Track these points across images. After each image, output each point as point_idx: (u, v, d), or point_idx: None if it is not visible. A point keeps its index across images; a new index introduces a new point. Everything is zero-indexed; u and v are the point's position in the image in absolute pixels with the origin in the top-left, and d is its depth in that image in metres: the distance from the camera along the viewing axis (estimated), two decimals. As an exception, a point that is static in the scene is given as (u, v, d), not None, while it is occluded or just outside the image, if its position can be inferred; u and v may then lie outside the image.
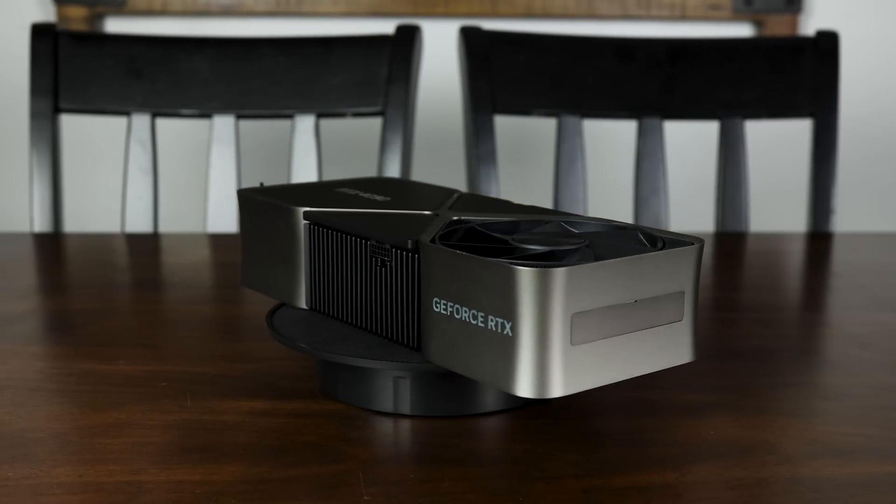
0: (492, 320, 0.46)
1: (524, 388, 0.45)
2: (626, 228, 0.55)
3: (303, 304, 0.60)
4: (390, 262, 0.53)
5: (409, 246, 0.51)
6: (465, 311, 0.47)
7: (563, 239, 0.52)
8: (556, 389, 0.45)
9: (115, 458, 0.49)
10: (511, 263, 0.45)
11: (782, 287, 0.93)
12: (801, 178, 1.34)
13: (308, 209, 0.58)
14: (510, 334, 0.45)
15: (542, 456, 0.49)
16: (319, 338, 0.55)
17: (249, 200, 0.62)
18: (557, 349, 0.45)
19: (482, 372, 0.47)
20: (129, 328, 0.73)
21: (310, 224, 0.58)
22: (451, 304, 0.48)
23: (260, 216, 0.62)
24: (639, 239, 0.53)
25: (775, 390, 0.59)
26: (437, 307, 0.49)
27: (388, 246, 0.53)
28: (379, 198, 0.62)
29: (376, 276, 0.54)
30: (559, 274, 0.44)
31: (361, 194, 0.63)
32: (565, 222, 0.56)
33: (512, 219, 0.56)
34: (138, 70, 1.20)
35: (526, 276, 0.44)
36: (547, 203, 1.21)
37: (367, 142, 1.40)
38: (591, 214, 1.31)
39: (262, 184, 0.64)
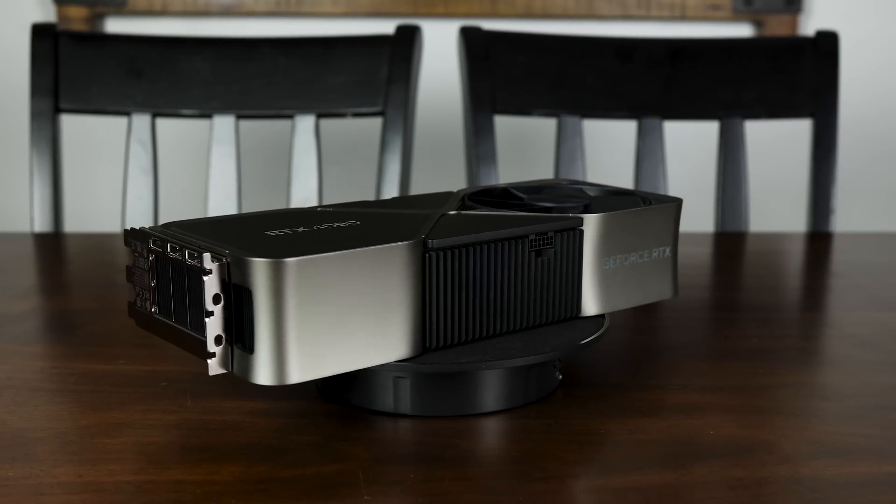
0: (655, 251, 0.61)
1: (675, 291, 0.63)
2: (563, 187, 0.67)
3: (411, 352, 0.52)
4: (553, 247, 0.56)
5: (578, 224, 0.57)
6: (634, 256, 0.60)
7: (568, 198, 0.63)
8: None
9: (115, 458, 0.49)
10: (669, 200, 0.61)
11: (782, 287, 0.93)
12: (801, 178, 1.34)
13: (436, 239, 0.51)
14: (669, 255, 0.62)
15: (543, 456, 0.49)
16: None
17: (301, 265, 0.46)
18: None
19: (646, 296, 0.61)
20: (130, 328, 0.72)
21: (437, 252, 0.52)
22: (620, 256, 0.59)
23: (329, 276, 0.47)
24: (632, 198, 0.64)
25: (775, 390, 0.59)
26: (607, 265, 0.59)
27: (551, 233, 0.56)
28: (345, 223, 0.56)
29: (530, 269, 0.56)
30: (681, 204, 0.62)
31: (341, 224, 0.55)
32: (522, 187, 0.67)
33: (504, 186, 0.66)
34: (138, 70, 1.21)
35: (678, 207, 0.62)
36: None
37: (367, 142, 1.41)
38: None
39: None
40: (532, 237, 0.55)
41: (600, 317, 0.60)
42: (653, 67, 1.23)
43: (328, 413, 0.54)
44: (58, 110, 1.19)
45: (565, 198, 0.63)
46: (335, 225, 0.54)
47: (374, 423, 0.53)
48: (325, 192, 1.35)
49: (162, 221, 1.23)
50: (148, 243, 0.51)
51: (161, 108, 1.20)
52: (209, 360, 0.47)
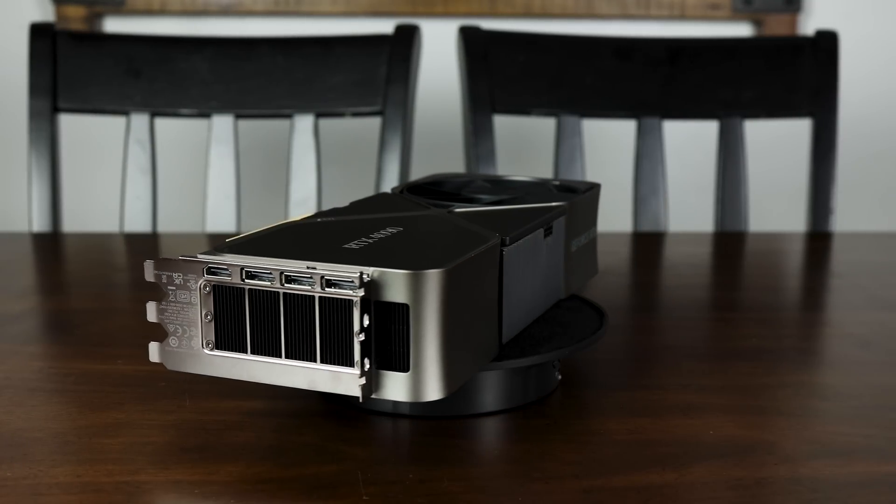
0: (591, 231, 0.66)
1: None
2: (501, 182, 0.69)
3: (496, 351, 0.52)
4: (553, 234, 0.59)
5: (565, 211, 0.60)
6: (582, 237, 0.64)
7: (501, 191, 0.65)
8: None
9: (113, 458, 0.49)
10: (586, 184, 0.66)
11: (782, 287, 0.93)
12: (801, 177, 1.34)
13: (508, 236, 0.52)
14: (595, 235, 0.67)
15: (542, 456, 0.49)
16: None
17: (449, 274, 0.44)
18: None
19: (588, 274, 0.66)
20: (128, 328, 0.73)
21: (511, 248, 0.52)
22: (577, 239, 0.63)
23: (460, 283, 0.46)
24: (543, 185, 0.68)
25: (775, 390, 0.59)
26: (574, 246, 0.62)
27: (552, 221, 0.59)
28: (392, 230, 0.53)
29: (541, 256, 0.57)
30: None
31: (393, 231, 0.53)
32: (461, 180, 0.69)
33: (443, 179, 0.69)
34: (137, 70, 1.20)
35: (599, 189, 0.67)
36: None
37: (366, 141, 1.40)
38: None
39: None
40: (548, 228, 0.57)
41: (600, 317, 0.60)
42: (652, 67, 1.23)
43: (327, 413, 0.54)
44: (56, 110, 1.19)
45: (494, 190, 0.65)
46: (389, 232, 0.52)
47: (374, 423, 0.53)
48: (324, 192, 1.35)
49: (161, 222, 1.23)
50: (199, 273, 0.46)
51: (160, 107, 1.20)
52: (360, 386, 0.44)
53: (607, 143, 1.68)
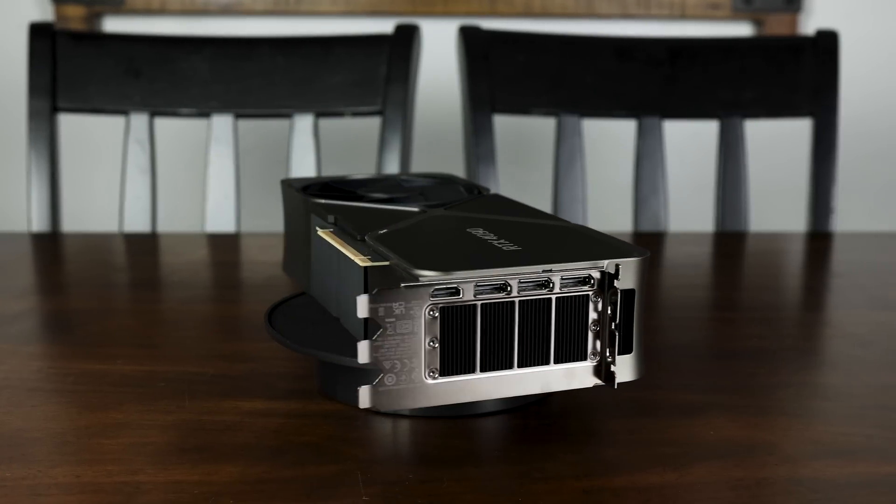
0: None
1: None
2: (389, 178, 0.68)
3: None
4: None
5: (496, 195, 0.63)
6: None
7: (400, 190, 0.63)
8: None
9: (112, 459, 0.49)
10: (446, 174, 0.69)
11: (782, 287, 0.93)
12: (801, 177, 1.34)
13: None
14: None
15: (542, 456, 0.49)
16: (318, 338, 0.55)
17: None
18: None
19: None
20: (128, 328, 0.73)
21: None
22: None
23: None
24: (455, 186, 0.66)
25: (775, 390, 0.59)
26: None
27: None
28: (481, 229, 0.53)
29: None
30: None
31: (482, 230, 0.53)
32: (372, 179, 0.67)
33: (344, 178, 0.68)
34: (137, 69, 1.20)
35: None
36: (546, 203, 1.21)
37: (366, 141, 1.40)
38: (590, 215, 1.31)
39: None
40: None
41: None
42: (652, 67, 1.23)
43: (327, 413, 0.54)
44: (55, 109, 1.19)
45: (392, 189, 0.64)
46: (487, 231, 0.52)
47: (374, 423, 0.53)
48: (324, 192, 1.35)
49: (160, 221, 1.23)
50: (424, 298, 0.43)
51: (159, 107, 1.20)
52: (614, 374, 0.47)
53: (607, 143, 1.68)
